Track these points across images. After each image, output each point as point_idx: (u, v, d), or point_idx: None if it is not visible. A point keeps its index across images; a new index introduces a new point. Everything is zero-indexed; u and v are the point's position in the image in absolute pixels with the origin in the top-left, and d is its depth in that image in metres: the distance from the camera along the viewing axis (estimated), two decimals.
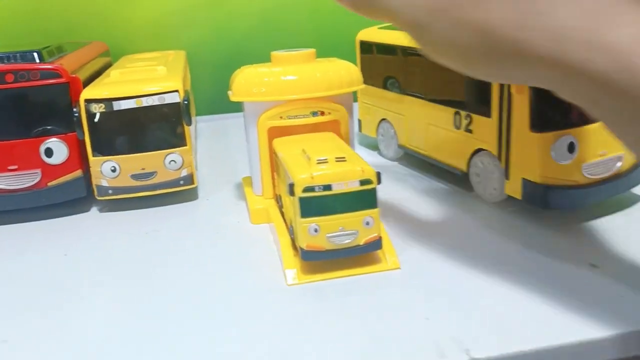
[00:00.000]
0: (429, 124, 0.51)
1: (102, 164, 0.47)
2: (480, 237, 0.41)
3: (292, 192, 0.35)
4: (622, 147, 0.41)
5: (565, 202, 0.41)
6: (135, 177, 0.47)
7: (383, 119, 0.58)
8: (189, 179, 0.49)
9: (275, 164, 0.44)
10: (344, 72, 0.45)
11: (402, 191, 0.50)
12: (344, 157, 0.37)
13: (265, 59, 0.47)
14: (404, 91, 0.54)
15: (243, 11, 0.81)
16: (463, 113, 0.47)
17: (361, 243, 0.36)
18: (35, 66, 0.47)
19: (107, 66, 0.64)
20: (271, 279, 0.37)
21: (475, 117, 0.45)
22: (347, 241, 0.36)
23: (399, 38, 0.54)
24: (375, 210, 0.36)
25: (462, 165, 0.48)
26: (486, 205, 0.46)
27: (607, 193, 0.42)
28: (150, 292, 0.36)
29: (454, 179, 0.50)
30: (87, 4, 0.76)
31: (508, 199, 0.44)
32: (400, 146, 0.56)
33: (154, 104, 0.46)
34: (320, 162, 0.36)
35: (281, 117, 0.44)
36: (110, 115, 0.46)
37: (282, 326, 0.32)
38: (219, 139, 0.71)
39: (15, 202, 0.47)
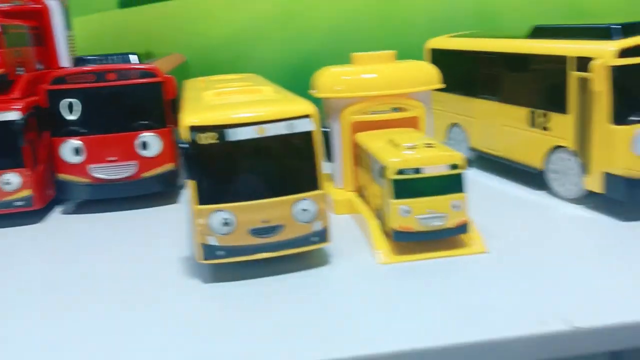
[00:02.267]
0: (503, 125, 0.52)
1: (210, 216, 0.35)
2: (561, 229, 0.41)
3: (383, 175, 0.37)
4: None
5: None
6: (255, 232, 0.35)
7: (453, 124, 0.59)
8: (323, 235, 0.37)
9: (358, 157, 0.46)
10: (422, 71, 0.47)
11: (478, 191, 0.50)
12: (432, 144, 0.38)
13: None
14: (475, 94, 0.55)
15: (313, 27, 0.84)
16: (538, 111, 0.47)
17: (450, 226, 0.37)
18: (134, 66, 0.50)
19: (186, 76, 0.67)
20: (361, 260, 0.38)
21: (551, 114, 0.46)
22: (437, 223, 0.37)
23: (470, 44, 0.56)
24: (463, 194, 0.37)
25: (538, 164, 0.48)
26: (563, 201, 0.46)
27: None
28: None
29: (527, 178, 0.50)
30: (168, 19, 0.80)
31: (586, 195, 0.44)
32: (472, 149, 0.57)
33: (281, 132, 0.35)
34: (408, 147, 0.38)
35: (364, 112, 0.46)
36: (223, 148, 0.34)
37: (376, 300, 0.33)
38: None
39: (113, 192, 0.50)
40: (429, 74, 0.47)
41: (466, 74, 0.56)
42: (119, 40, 0.78)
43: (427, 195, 0.36)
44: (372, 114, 0.46)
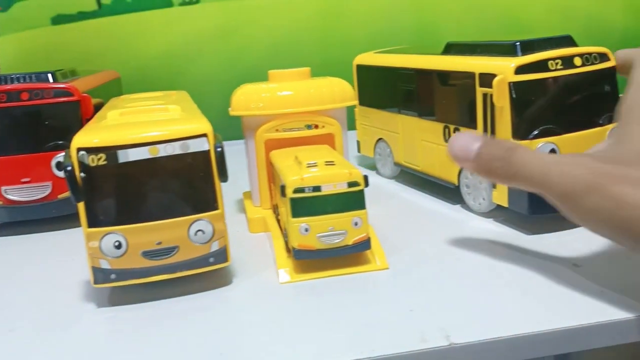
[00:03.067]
0: (422, 140, 0.52)
1: (101, 239, 0.34)
2: (467, 243, 0.42)
3: (283, 194, 0.37)
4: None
5: (548, 207, 0.41)
6: (148, 255, 0.35)
7: (379, 139, 0.59)
8: (222, 255, 0.36)
9: (272, 174, 0.46)
10: (337, 89, 0.47)
11: (395, 205, 0.51)
12: (333, 162, 0.38)
13: None
14: (397, 110, 0.55)
15: (252, 43, 0.84)
16: (452, 126, 0.48)
17: (350, 243, 0.37)
18: (49, 85, 0.49)
19: (118, 93, 0.66)
20: (265, 279, 0.37)
21: (463, 129, 0.47)
22: (336, 241, 0.37)
23: (390, 60, 0.56)
24: (364, 211, 0.37)
25: (454, 178, 0.49)
26: (477, 215, 0.46)
27: None
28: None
29: (446, 193, 0.51)
30: (103, 37, 0.80)
31: (497, 209, 0.45)
32: (396, 164, 0.57)
33: (175, 152, 0.34)
34: (310, 165, 0.38)
35: (277, 130, 0.46)
36: (114, 169, 0.34)
37: (276, 321, 0.32)
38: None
39: (27, 213, 0.49)
40: (344, 91, 0.47)
41: (389, 89, 0.56)
42: (51, 57, 0.77)
43: (327, 213, 0.36)
44: (285, 131, 0.46)
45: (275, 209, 0.46)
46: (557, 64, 0.42)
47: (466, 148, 0.33)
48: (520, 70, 0.41)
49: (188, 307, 0.34)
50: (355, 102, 0.48)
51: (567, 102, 0.43)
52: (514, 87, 0.41)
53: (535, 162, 0.30)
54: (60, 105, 0.49)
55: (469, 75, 0.45)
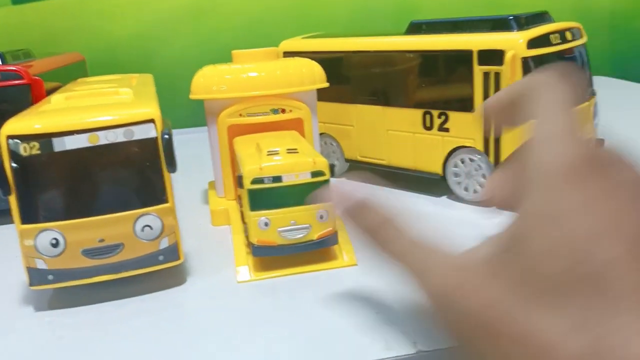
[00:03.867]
0: (389, 130, 0.47)
1: (36, 236, 0.30)
2: (455, 237, 0.39)
3: (241, 184, 0.33)
4: (591, 131, 0.41)
5: None
6: (89, 253, 0.31)
7: (322, 134, 0.51)
8: (173, 252, 0.33)
9: (235, 163, 0.42)
10: (306, 70, 0.44)
11: None
12: (295, 149, 0.35)
13: None
14: (351, 101, 0.49)
15: (226, 23, 0.80)
16: (435, 112, 0.44)
17: (315, 238, 0.34)
18: None
19: (82, 77, 0.62)
20: (223, 277, 0.34)
21: (452, 114, 0.43)
22: (299, 236, 0.33)
23: (344, 45, 0.49)
24: (330, 203, 0.34)
25: (437, 168, 0.45)
26: (465, 205, 0.43)
27: None
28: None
29: (419, 184, 0.46)
30: (67, 17, 0.75)
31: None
32: (348, 160, 0.51)
33: (118, 140, 0.31)
34: (270, 153, 0.34)
35: (240, 115, 0.42)
36: (49, 159, 0.30)
37: (229, 326, 0.29)
38: (191, 148, 0.68)
39: None
40: (313, 72, 0.44)
41: (336, 78, 0.48)
42: (12, 39, 0.72)
43: (289, 205, 0.33)
44: (249, 116, 0.42)
45: (239, 200, 0.42)
46: (556, 38, 0.40)
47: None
48: (530, 44, 0.38)
49: (135, 310, 0.31)
50: (326, 84, 0.45)
51: None
52: (527, 62, 0.38)
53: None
54: (8, 89, 0.45)
55: (464, 54, 0.41)
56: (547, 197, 0.20)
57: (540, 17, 0.42)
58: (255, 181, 0.33)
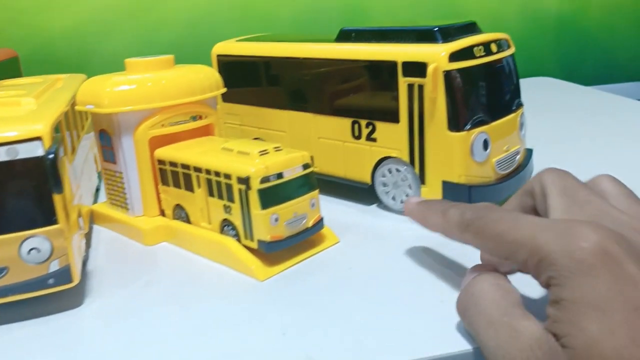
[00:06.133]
0: (320, 138, 0.49)
1: None
2: (383, 250, 0.40)
3: (248, 186, 0.36)
4: (518, 142, 0.45)
5: (486, 200, 0.37)
6: None
7: (255, 139, 0.54)
8: (64, 275, 0.33)
9: (164, 175, 0.43)
10: (203, 76, 0.46)
11: None
12: (279, 147, 0.39)
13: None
14: (284, 106, 0.51)
15: (168, 19, 0.83)
16: (363, 122, 0.45)
17: (310, 225, 0.39)
18: None
19: (14, 75, 0.61)
20: (125, 296, 0.36)
21: (379, 124, 0.44)
22: (300, 225, 0.38)
23: (278, 50, 0.50)
24: (316, 191, 0.39)
25: (366, 177, 0.46)
26: (395, 215, 0.45)
27: (514, 187, 0.43)
28: None
29: (350, 193, 0.48)
30: None
31: None
32: None
33: (0, 159, 0.31)
34: (262, 153, 0.38)
35: (163, 125, 0.43)
36: None
37: (125, 349, 0.30)
38: None
39: None
40: (213, 78, 0.46)
41: (269, 83, 0.51)
42: None
43: (291, 198, 0.38)
44: (172, 125, 0.43)
45: (175, 211, 0.43)
46: (480, 50, 0.41)
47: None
48: (452, 57, 0.40)
49: (24, 335, 0.31)
50: (224, 89, 0.47)
51: (492, 89, 0.43)
52: (450, 75, 0.40)
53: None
54: None
55: (389, 65, 0.42)
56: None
57: (467, 28, 0.43)
58: (264, 180, 0.36)
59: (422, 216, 0.34)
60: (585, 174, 0.31)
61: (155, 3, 0.82)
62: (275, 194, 0.37)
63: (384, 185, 0.45)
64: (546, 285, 0.25)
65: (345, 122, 0.46)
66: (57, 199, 0.32)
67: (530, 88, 0.92)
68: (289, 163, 0.38)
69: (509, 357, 0.25)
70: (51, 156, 0.31)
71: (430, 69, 0.39)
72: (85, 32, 0.80)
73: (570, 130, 0.69)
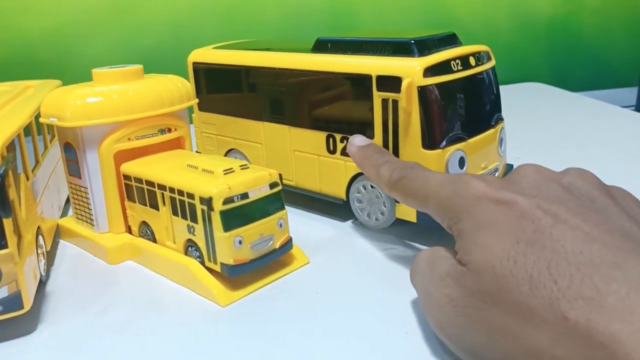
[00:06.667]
0: (295, 151, 0.47)
1: None
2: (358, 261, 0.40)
3: (211, 207, 0.35)
4: (497, 159, 0.43)
5: None
6: None
7: (231, 149, 0.53)
8: (14, 301, 0.31)
9: (129, 191, 0.42)
10: (174, 87, 0.45)
11: None
12: (246, 165, 0.38)
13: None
14: (259, 117, 0.49)
15: (151, 21, 0.81)
16: (338, 136, 0.44)
17: (277, 246, 0.38)
18: None
19: None
20: (82, 320, 0.35)
21: None
22: (266, 247, 0.37)
23: (254, 59, 0.49)
24: (284, 211, 0.38)
25: (341, 193, 0.45)
26: (370, 233, 0.44)
27: None
28: None
29: (326, 207, 0.48)
30: None
31: (399, 224, 0.43)
32: None
33: None
34: (227, 172, 0.36)
35: (129, 139, 0.42)
36: None
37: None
38: None
39: None
40: (184, 89, 0.45)
41: (246, 93, 0.49)
42: None
43: (256, 219, 0.36)
44: (138, 139, 0.42)
45: (140, 228, 0.42)
46: (457, 64, 0.40)
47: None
48: (427, 72, 0.38)
49: None
50: (196, 100, 0.46)
51: (469, 105, 0.41)
52: (425, 91, 0.38)
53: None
54: None
55: (363, 78, 0.41)
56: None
57: (447, 40, 0.42)
58: (227, 201, 0.35)
59: (360, 163, 0.39)
60: None
61: (138, 6, 0.80)
62: (239, 215, 0.36)
63: (359, 202, 0.44)
64: (450, 228, 0.29)
65: (320, 136, 0.45)
66: (6, 222, 0.30)
67: (519, 94, 0.92)
68: (255, 182, 0.37)
69: (428, 294, 0.29)
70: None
71: (404, 84, 0.38)
72: (65, 34, 0.78)
73: (555, 138, 0.69)
